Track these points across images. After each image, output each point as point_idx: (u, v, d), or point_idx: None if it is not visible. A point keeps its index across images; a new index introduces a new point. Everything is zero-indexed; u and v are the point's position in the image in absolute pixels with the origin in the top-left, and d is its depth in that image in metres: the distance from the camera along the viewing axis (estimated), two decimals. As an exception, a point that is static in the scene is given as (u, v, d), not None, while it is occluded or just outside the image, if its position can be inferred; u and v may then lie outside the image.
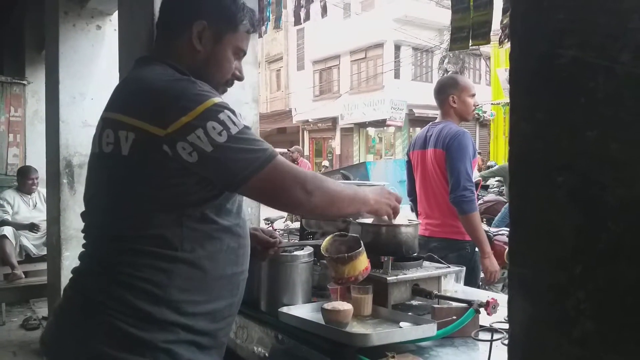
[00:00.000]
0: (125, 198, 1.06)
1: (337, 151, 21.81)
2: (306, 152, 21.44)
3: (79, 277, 1.12)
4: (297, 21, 2.98)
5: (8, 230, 4.63)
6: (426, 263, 1.64)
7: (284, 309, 1.41)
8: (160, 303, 1.04)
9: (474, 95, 2.74)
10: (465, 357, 1.23)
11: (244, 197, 1.19)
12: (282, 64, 24.30)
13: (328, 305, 1.30)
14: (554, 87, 0.65)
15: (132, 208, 1.06)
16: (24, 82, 5.57)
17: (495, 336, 1.19)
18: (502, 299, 1.24)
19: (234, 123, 1.04)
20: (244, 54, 1.26)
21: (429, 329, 1.25)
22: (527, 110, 0.68)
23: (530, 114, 0.67)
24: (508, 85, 0.72)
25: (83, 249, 1.14)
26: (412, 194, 2.87)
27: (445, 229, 2.61)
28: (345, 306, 1.30)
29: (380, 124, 19.63)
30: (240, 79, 1.27)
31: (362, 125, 20.76)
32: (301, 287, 1.51)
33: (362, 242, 1.36)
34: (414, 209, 2.87)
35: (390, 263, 1.50)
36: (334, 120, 21.38)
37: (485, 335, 1.24)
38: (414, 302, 1.54)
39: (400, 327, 1.30)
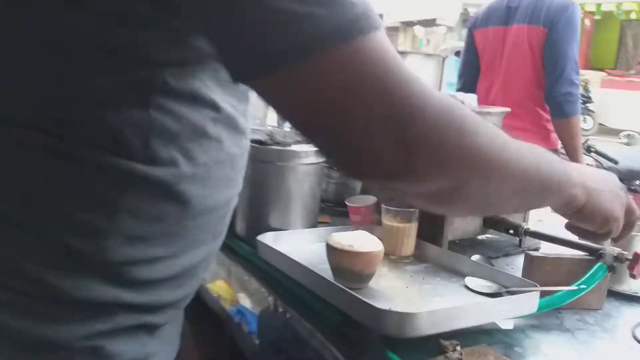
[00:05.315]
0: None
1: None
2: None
3: None
4: None
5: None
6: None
7: (267, 237, 0.85)
8: (84, 267, 0.52)
9: None
10: (583, 350, 0.65)
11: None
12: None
13: (337, 240, 0.73)
14: None
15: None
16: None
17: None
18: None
19: None
20: None
21: (528, 302, 0.66)
22: None
23: None
24: None
25: None
26: (464, 84, 2.18)
27: (529, 135, 1.94)
28: (370, 244, 0.72)
29: (430, 23, 18.17)
30: None
31: (408, 24, 19.32)
32: (301, 202, 0.93)
33: None
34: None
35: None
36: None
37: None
38: (486, 237, 0.96)
39: (470, 290, 0.72)
